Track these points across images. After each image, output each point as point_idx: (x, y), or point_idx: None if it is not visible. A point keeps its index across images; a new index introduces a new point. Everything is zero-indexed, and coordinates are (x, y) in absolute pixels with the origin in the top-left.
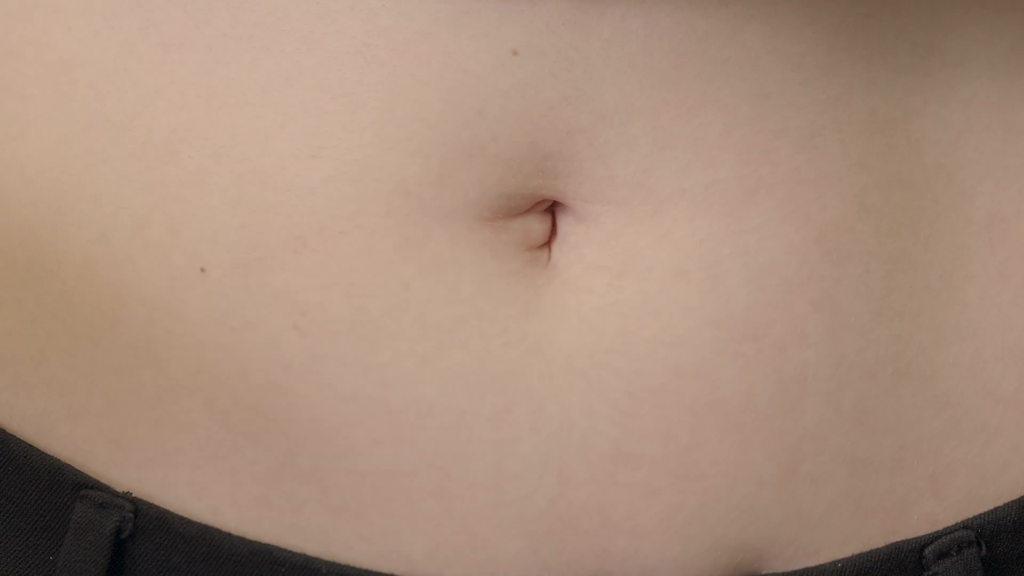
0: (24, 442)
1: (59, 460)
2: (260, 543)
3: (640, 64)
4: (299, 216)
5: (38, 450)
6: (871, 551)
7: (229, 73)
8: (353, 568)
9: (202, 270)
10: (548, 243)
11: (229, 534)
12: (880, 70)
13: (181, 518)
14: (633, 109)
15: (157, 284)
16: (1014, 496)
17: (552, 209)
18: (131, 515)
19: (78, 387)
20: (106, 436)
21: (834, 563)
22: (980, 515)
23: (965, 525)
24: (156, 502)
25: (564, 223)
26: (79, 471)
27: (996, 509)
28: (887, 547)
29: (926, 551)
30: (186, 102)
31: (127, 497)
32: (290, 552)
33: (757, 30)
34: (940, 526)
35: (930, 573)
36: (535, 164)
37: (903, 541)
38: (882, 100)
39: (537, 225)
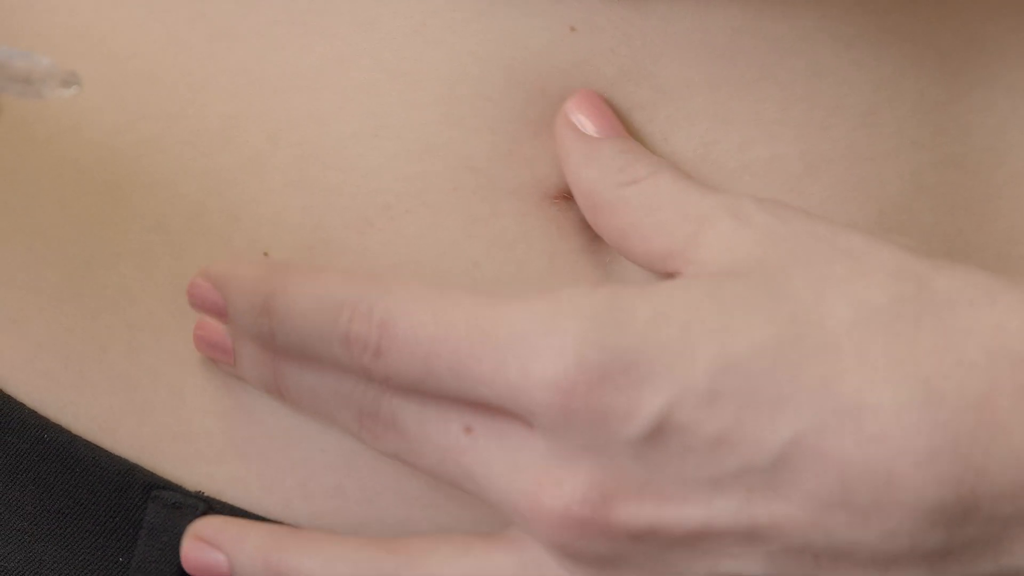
0: (91, 443)
1: (128, 461)
2: None
3: (697, 39)
4: (363, 196)
5: (106, 451)
6: None
7: (281, 59)
8: None
9: (265, 254)
10: None
11: (304, 529)
12: (927, 53)
13: (254, 515)
14: (692, 84)
15: None
16: None
17: None
18: (204, 515)
19: (142, 381)
20: (173, 432)
21: None
22: None
23: None
24: (227, 499)
25: None
26: (149, 471)
27: None
28: None
29: None
30: (238, 89)
31: (200, 496)
32: None
33: (809, 9)
34: None
35: None
36: None
37: None
38: (930, 82)
39: None
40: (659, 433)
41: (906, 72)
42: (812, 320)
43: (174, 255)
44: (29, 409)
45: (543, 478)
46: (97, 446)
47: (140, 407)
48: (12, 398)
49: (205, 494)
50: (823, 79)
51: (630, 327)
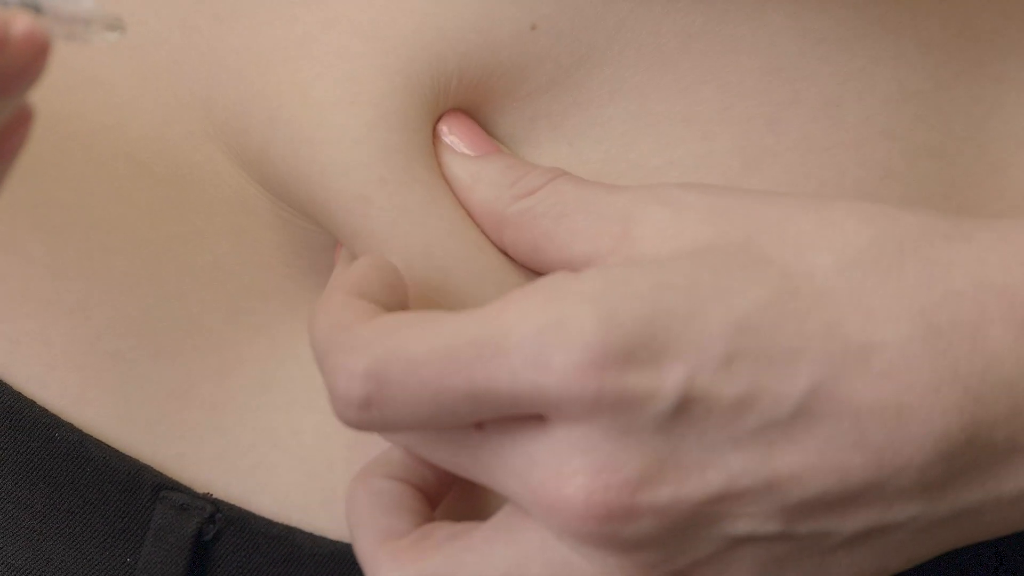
0: (101, 443)
1: (138, 461)
2: (343, 543)
3: (644, 46)
4: (355, 171)
5: (116, 451)
6: None
7: (274, 32)
8: None
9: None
10: None
11: (311, 534)
12: (909, 43)
13: (262, 519)
14: (617, 92)
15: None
16: None
17: None
18: (212, 516)
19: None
20: (184, 429)
21: None
22: None
23: None
24: (235, 501)
25: None
26: (158, 472)
27: None
28: None
29: None
30: (243, 68)
31: (208, 498)
32: None
33: (780, 6)
34: None
35: None
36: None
37: None
38: (910, 72)
39: None
40: (683, 404)
41: (883, 63)
42: (800, 272)
43: (269, 228)
44: (40, 407)
45: (562, 468)
46: (108, 445)
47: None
48: (23, 396)
49: (214, 496)
50: (780, 75)
51: (636, 299)
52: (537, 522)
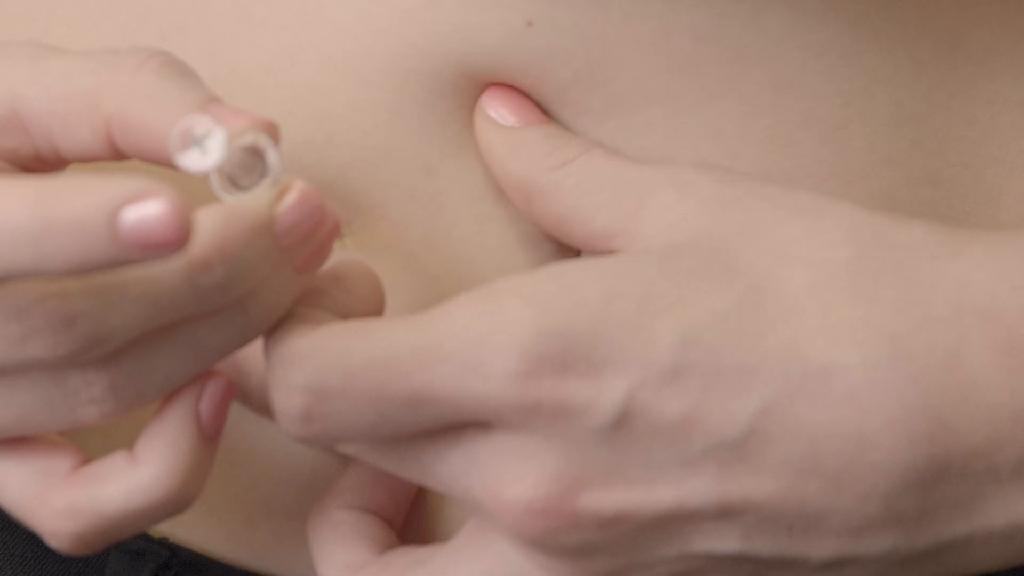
0: None
1: None
2: None
3: (659, 43)
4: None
5: None
6: None
7: (230, 55)
8: None
9: None
10: None
11: None
12: (903, 61)
13: (217, 563)
14: (650, 95)
15: None
16: None
17: None
18: (168, 562)
19: None
20: None
21: None
22: None
23: None
24: (188, 543)
25: None
26: None
27: None
28: None
29: None
30: None
31: (163, 543)
32: None
33: (777, 12)
34: None
35: None
36: None
37: None
38: (906, 93)
39: None
40: (625, 418)
41: (881, 83)
42: (771, 286)
43: None
44: None
45: (504, 473)
46: None
47: None
48: None
49: (169, 540)
50: (789, 92)
51: (583, 308)
52: (495, 534)
